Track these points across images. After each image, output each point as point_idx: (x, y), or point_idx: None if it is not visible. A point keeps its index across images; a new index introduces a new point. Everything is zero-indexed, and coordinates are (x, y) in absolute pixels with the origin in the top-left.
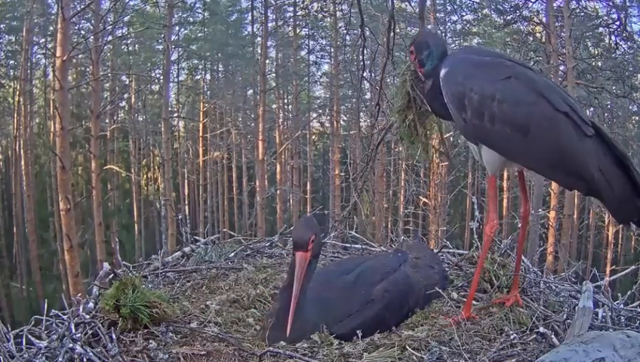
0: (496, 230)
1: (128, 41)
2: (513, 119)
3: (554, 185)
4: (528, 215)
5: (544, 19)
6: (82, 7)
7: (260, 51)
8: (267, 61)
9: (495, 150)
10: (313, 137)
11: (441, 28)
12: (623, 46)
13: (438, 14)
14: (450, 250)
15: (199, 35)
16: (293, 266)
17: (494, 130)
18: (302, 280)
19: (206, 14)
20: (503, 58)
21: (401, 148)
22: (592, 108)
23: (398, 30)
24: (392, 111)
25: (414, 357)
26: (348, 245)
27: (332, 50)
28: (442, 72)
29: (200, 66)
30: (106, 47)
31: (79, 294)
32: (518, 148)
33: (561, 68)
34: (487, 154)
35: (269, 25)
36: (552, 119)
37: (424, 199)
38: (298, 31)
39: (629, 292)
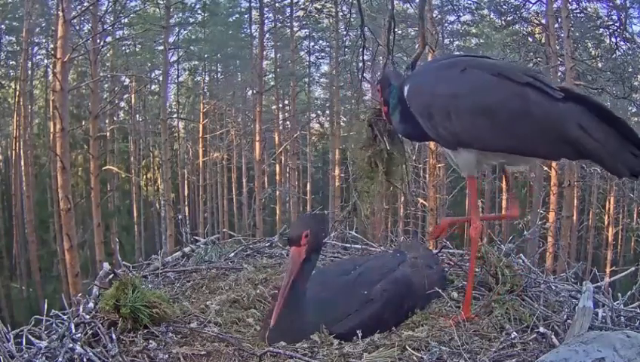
0: (480, 231)
1: (128, 42)
2: (482, 107)
3: (553, 186)
4: (515, 217)
5: (544, 21)
6: (82, 8)
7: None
8: (267, 62)
9: (474, 147)
10: (313, 138)
11: (437, 28)
12: (623, 47)
13: (436, 15)
14: (450, 250)
15: (199, 35)
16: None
17: (468, 125)
18: (294, 273)
19: (205, 15)
20: (460, 56)
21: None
22: None
23: (399, 31)
24: (354, 148)
25: (414, 357)
26: (348, 245)
27: (332, 51)
28: (405, 90)
29: (200, 67)
30: (105, 48)
31: (79, 294)
32: (495, 134)
33: (561, 69)
34: (464, 155)
35: (269, 25)
36: (518, 93)
37: (421, 200)
38: (296, 31)
39: (629, 293)
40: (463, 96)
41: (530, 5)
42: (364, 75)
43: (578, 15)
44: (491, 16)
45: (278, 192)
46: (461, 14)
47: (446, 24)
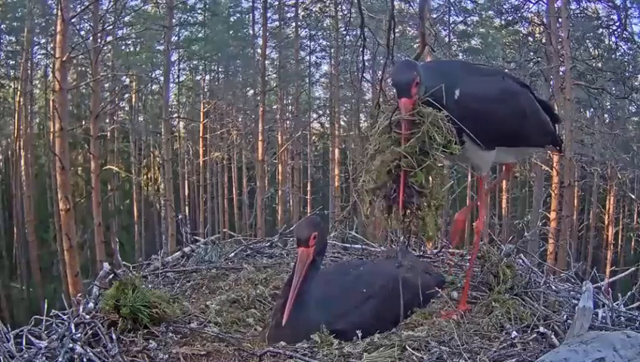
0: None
1: (129, 42)
2: (519, 111)
3: (554, 186)
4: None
5: (545, 20)
6: (82, 8)
7: (260, 52)
8: (267, 61)
9: (504, 144)
10: (313, 138)
11: (437, 28)
12: (623, 47)
13: (437, 15)
14: (450, 250)
15: (199, 35)
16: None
17: (510, 127)
18: (303, 273)
19: (207, 15)
20: (480, 65)
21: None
22: (592, 109)
23: (399, 33)
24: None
25: (414, 357)
26: (348, 245)
27: (332, 50)
28: (456, 94)
29: (200, 67)
30: (105, 48)
31: (79, 294)
32: (522, 132)
33: (562, 69)
34: (488, 154)
35: (271, 25)
36: (530, 98)
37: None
38: (299, 31)
39: (629, 293)
40: (506, 102)
41: (531, 5)
42: (365, 74)
43: (578, 15)
44: (490, 14)
45: (280, 192)
46: (466, 15)
47: (452, 25)
